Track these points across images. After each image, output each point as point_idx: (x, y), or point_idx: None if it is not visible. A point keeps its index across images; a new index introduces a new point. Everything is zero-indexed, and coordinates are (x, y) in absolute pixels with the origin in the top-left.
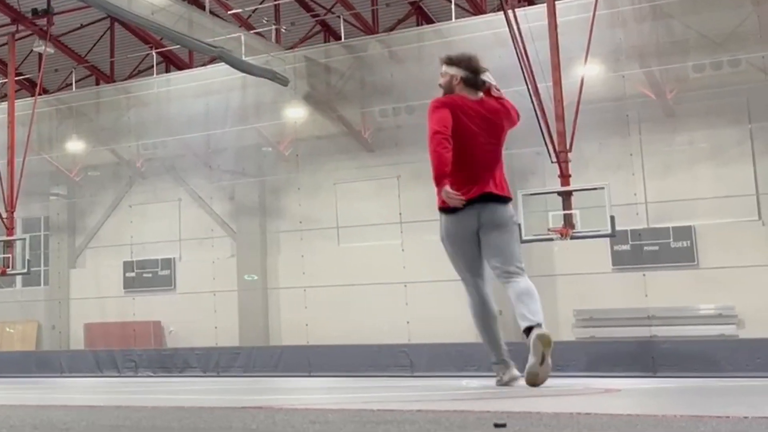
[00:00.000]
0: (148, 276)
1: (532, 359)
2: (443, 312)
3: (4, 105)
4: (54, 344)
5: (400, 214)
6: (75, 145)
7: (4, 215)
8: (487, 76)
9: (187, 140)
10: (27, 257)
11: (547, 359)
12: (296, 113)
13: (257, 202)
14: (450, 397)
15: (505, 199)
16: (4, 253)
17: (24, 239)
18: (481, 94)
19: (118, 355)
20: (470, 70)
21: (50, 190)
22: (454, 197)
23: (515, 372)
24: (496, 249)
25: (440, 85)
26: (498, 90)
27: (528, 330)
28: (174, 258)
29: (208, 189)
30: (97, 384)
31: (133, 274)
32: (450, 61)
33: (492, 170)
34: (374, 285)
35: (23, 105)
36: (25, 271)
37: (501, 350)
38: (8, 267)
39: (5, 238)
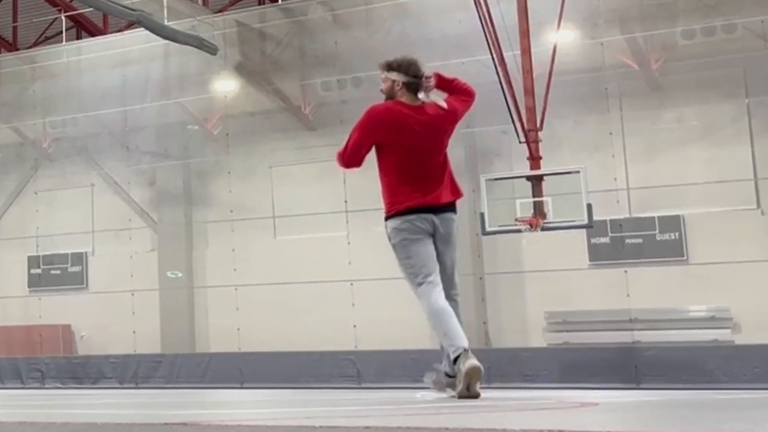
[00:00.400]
0: (57, 273)
1: (459, 386)
2: (395, 314)
3: None
4: None
5: (346, 201)
6: None
7: None
8: (434, 95)
9: (101, 117)
10: None
11: (474, 388)
12: (226, 86)
13: (181, 188)
14: (403, 412)
15: (454, 207)
16: None
17: None
18: (421, 98)
19: (21, 363)
20: (412, 74)
21: None
22: None
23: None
24: (444, 267)
25: (381, 90)
26: (443, 105)
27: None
28: (86, 252)
29: (125, 173)
30: None
31: (39, 271)
32: (390, 66)
33: (440, 176)
34: (316, 283)
35: None
36: None
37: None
38: None
39: None
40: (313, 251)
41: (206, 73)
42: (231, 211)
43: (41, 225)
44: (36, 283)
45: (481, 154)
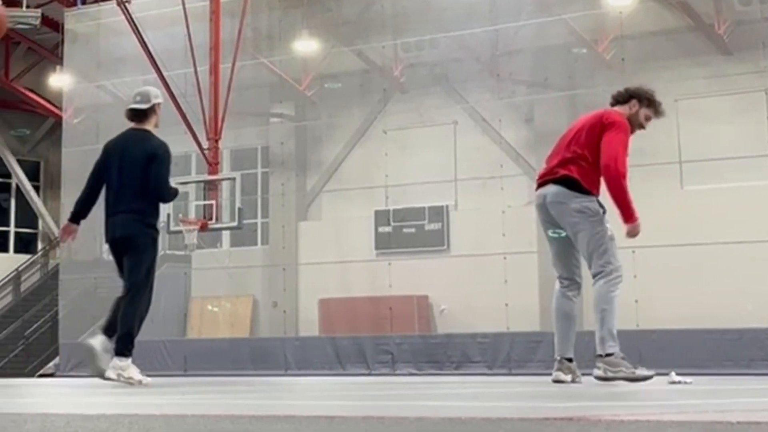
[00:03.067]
0: (411, 232)
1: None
2: None
3: None
4: (276, 328)
5: None
6: (306, 46)
7: (206, 145)
8: None
9: (465, 38)
10: (238, 205)
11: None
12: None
13: (565, 126)
14: None
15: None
16: (205, 199)
17: (233, 179)
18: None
19: (367, 343)
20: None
21: (270, 110)
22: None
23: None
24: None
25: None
26: None
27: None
28: (447, 206)
29: (496, 107)
30: (337, 384)
31: (388, 229)
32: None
33: None
34: (733, 244)
35: None
36: (236, 224)
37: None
38: (211, 219)
39: (207, 177)
40: (729, 204)
41: None
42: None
43: (391, 172)
44: (385, 244)
45: None
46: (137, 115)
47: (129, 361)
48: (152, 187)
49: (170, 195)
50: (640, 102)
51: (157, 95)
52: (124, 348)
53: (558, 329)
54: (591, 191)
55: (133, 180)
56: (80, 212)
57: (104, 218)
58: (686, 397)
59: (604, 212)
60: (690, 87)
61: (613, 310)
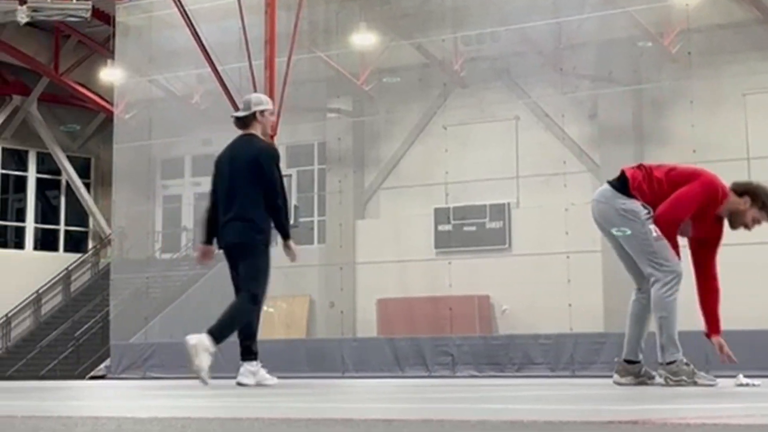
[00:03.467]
0: (471, 230)
1: None
2: None
3: None
4: (333, 329)
5: None
6: (364, 39)
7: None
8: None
9: (527, 31)
10: (293, 202)
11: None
12: None
13: (630, 122)
14: None
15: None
16: None
17: (289, 176)
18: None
19: (425, 344)
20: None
21: (327, 105)
22: None
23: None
24: None
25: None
26: None
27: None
28: (508, 204)
29: (559, 102)
30: (395, 387)
31: (448, 227)
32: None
33: None
34: None
35: None
36: (292, 222)
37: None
38: None
39: None
40: None
41: None
42: (693, 152)
43: (451, 169)
44: (445, 242)
45: None
46: (239, 123)
47: (209, 354)
48: (264, 192)
49: (280, 198)
50: (754, 201)
51: (260, 102)
52: (219, 335)
53: (627, 331)
54: (635, 196)
55: (241, 185)
56: (211, 232)
57: (216, 225)
58: (754, 400)
59: (648, 213)
60: (758, 81)
61: (671, 315)
